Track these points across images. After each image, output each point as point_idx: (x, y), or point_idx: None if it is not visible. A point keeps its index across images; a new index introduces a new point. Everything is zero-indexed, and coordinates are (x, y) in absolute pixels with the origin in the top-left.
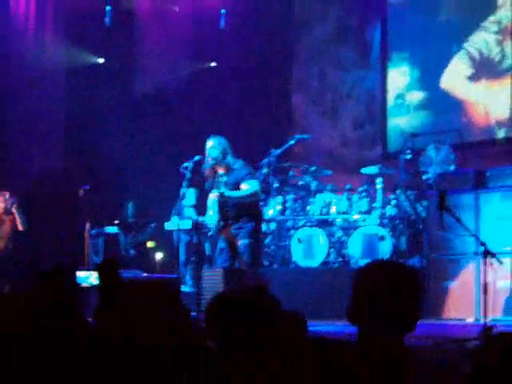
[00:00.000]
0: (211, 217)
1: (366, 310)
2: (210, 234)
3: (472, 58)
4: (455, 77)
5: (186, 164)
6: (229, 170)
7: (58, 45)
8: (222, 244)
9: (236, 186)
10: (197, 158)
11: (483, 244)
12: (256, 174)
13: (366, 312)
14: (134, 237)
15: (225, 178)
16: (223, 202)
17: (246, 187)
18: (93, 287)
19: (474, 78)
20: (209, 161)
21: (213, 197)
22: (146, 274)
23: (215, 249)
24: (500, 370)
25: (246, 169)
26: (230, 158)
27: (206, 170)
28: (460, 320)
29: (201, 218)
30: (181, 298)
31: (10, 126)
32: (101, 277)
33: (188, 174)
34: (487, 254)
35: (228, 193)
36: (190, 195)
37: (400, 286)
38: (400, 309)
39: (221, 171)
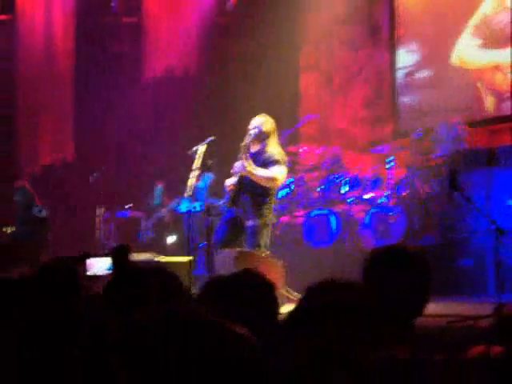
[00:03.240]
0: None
1: (375, 294)
2: (221, 213)
3: (479, 31)
4: (466, 51)
5: (195, 147)
6: (261, 151)
7: (68, 34)
8: (226, 221)
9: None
10: (209, 139)
11: (494, 222)
12: (286, 162)
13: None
14: (155, 219)
15: (252, 155)
16: (241, 179)
17: (273, 171)
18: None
19: (485, 45)
20: (248, 138)
21: (235, 171)
22: (157, 259)
23: (224, 227)
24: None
25: (276, 155)
26: (266, 140)
27: (244, 146)
28: (474, 298)
29: (213, 201)
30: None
31: (20, 114)
32: (113, 263)
33: (199, 157)
34: (499, 231)
35: (252, 169)
36: (205, 178)
37: (409, 271)
38: (409, 293)
39: (254, 149)
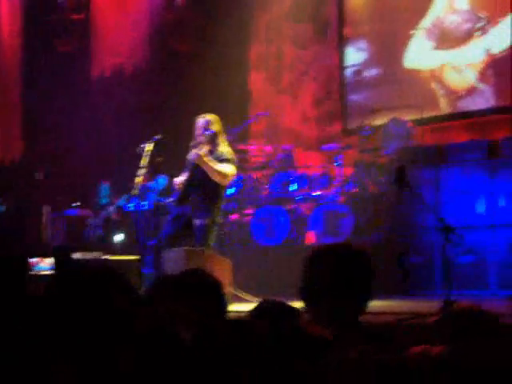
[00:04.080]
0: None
1: (317, 292)
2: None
3: (431, 33)
4: (418, 54)
5: (142, 145)
6: (211, 149)
7: (14, 30)
8: (173, 218)
9: None
10: (156, 137)
11: (442, 219)
12: (236, 163)
13: (317, 294)
14: (103, 217)
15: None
16: (192, 175)
17: (224, 168)
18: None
19: (438, 47)
20: (197, 137)
21: (191, 159)
22: (105, 257)
23: (172, 223)
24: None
25: (227, 154)
26: (216, 139)
27: (193, 145)
28: (423, 295)
29: (162, 200)
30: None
31: None
32: (55, 262)
33: (146, 155)
34: (446, 228)
35: (205, 157)
36: (160, 181)
37: (351, 269)
38: (351, 291)
39: (202, 146)
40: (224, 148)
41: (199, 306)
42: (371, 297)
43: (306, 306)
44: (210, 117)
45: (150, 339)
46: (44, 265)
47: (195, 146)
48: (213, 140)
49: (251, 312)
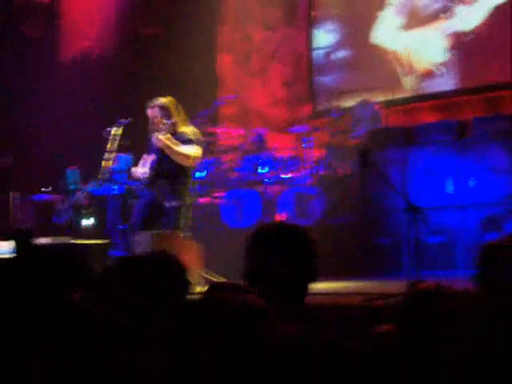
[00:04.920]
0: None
1: (259, 272)
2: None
3: (400, 8)
4: (385, 29)
5: (109, 129)
6: (172, 131)
7: None
8: (144, 202)
9: None
10: (123, 121)
11: (409, 200)
12: (200, 141)
13: (260, 275)
14: (71, 202)
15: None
16: (158, 159)
17: (187, 149)
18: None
19: (405, 27)
20: (155, 120)
21: (153, 143)
22: (73, 241)
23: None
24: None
25: (189, 134)
26: (175, 120)
27: (151, 129)
28: (391, 276)
29: (132, 183)
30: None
31: None
32: (16, 246)
33: (113, 138)
34: (414, 209)
35: (166, 140)
36: (124, 160)
37: (292, 248)
38: (293, 271)
39: (163, 128)
40: (185, 128)
41: (158, 288)
42: (316, 276)
43: (251, 285)
44: (163, 100)
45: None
46: (3, 248)
47: (154, 130)
48: (172, 122)
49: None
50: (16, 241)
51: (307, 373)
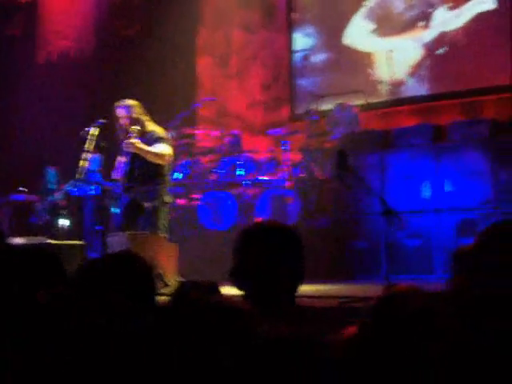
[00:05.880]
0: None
1: (247, 273)
2: (116, 197)
3: (373, 13)
4: (358, 33)
5: (87, 129)
6: (141, 132)
7: None
8: (123, 206)
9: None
10: (101, 121)
11: (385, 203)
12: (169, 139)
13: (247, 275)
14: (49, 203)
15: (138, 139)
16: (132, 162)
17: (159, 148)
18: None
19: (377, 32)
20: (122, 122)
21: (125, 149)
22: (49, 241)
23: (122, 212)
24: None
25: (158, 132)
26: (142, 121)
27: (119, 131)
28: (368, 279)
29: (108, 184)
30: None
31: None
32: None
33: (91, 138)
34: (390, 212)
35: (138, 144)
36: (95, 160)
37: (281, 248)
38: (281, 271)
39: (133, 133)
40: (153, 127)
41: (126, 289)
42: (302, 277)
43: (238, 287)
44: (129, 102)
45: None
46: None
47: (122, 132)
48: (140, 124)
49: (172, 295)
50: None
51: (291, 375)
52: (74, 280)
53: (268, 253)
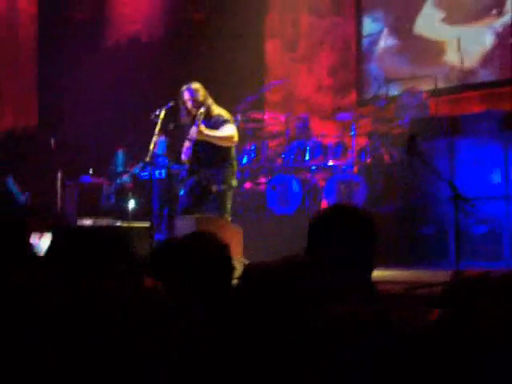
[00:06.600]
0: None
1: (321, 253)
2: (182, 180)
3: (444, 1)
4: (428, 21)
5: (157, 112)
6: (207, 115)
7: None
8: (189, 188)
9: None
10: (169, 104)
11: (455, 189)
12: (234, 121)
13: (320, 255)
14: (117, 185)
15: (203, 123)
16: (198, 145)
17: (226, 130)
18: None
19: (448, 20)
20: (188, 106)
21: (191, 136)
22: (117, 224)
23: (188, 194)
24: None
25: (224, 115)
26: (208, 104)
27: (185, 114)
28: (435, 265)
29: (175, 167)
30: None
31: None
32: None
33: (160, 122)
34: (460, 199)
35: (206, 131)
36: (162, 143)
37: (355, 230)
38: (354, 252)
39: (199, 116)
40: (218, 110)
41: (203, 268)
42: (376, 261)
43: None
44: (196, 85)
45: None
46: (43, 243)
47: (188, 115)
48: (206, 107)
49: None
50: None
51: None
52: (147, 261)
53: (345, 236)
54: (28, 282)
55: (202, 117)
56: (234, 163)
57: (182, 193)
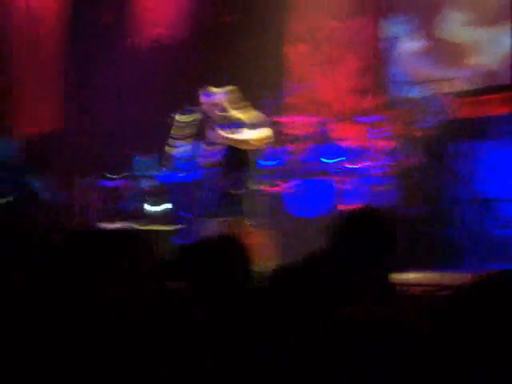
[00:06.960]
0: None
1: (342, 254)
2: (204, 183)
3: (466, 4)
4: (451, 24)
5: (175, 115)
6: (228, 119)
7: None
8: (211, 193)
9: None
10: (189, 108)
11: (478, 192)
12: (256, 125)
13: (344, 261)
14: (139, 189)
15: (224, 127)
16: (220, 148)
17: (245, 134)
18: None
19: (470, 23)
20: (210, 109)
21: (212, 140)
22: (138, 227)
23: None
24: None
25: (245, 119)
26: (229, 108)
27: (206, 118)
28: (458, 268)
29: (195, 171)
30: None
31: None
32: None
33: (179, 125)
34: (482, 201)
35: (227, 134)
36: (183, 147)
37: (376, 232)
38: (375, 254)
39: (220, 120)
40: (239, 114)
41: (225, 270)
42: (394, 260)
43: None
44: (216, 89)
45: None
46: None
47: (209, 119)
48: (227, 110)
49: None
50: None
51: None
52: (171, 263)
53: (367, 238)
54: (28, 282)
55: (224, 120)
56: (254, 166)
57: (203, 196)
